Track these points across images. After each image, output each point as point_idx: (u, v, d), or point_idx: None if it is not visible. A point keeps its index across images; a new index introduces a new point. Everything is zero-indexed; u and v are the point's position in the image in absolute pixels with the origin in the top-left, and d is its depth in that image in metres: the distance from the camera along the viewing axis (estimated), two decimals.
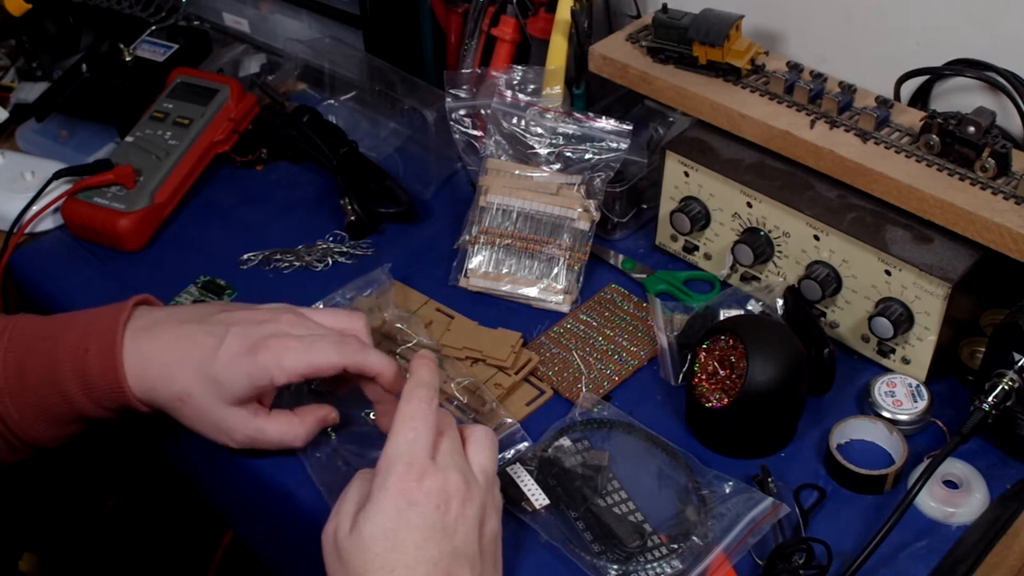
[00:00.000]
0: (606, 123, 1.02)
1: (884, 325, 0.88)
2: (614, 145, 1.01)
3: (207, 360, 0.79)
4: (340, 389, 0.87)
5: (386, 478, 0.68)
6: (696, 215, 0.99)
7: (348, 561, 0.67)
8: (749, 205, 0.96)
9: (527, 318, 0.98)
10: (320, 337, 0.80)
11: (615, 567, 0.76)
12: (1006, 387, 0.80)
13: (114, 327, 0.80)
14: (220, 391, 0.79)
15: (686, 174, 0.99)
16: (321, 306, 0.96)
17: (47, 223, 1.09)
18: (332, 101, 1.22)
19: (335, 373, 0.80)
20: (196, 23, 1.34)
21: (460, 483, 0.69)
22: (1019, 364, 0.80)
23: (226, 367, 0.78)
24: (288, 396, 0.86)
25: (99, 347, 0.80)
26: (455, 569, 0.67)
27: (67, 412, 0.81)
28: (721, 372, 0.84)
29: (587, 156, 1.02)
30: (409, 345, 0.93)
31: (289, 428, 0.83)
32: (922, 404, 0.87)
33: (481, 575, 0.68)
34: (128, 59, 1.20)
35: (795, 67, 0.98)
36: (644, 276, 1.03)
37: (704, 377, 0.85)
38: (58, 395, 0.80)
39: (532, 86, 1.06)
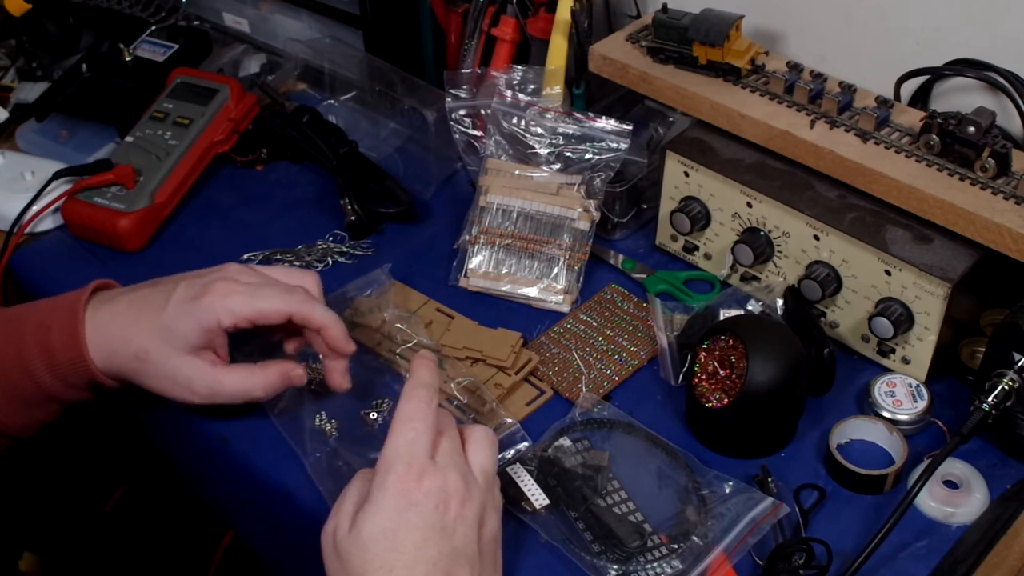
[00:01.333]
0: (606, 123, 1.02)
1: (884, 325, 0.88)
2: (614, 145, 1.01)
3: (158, 313, 0.81)
4: (290, 344, 0.88)
5: (385, 478, 0.68)
6: (696, 215, 0.99)
7: (347, 561, 0.67)
8: (749, 205, 0.96)
9: (527, 318, 0.98)
10: (266, 284, 0.83)
11: (615, 567, 0.75)
12: (1006, 387, 0.80)
13: (75, 305, 0.82)
14: (172, 339, 0.81)
15: (686, 174, 0.99)
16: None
17: (47, 223, 1.09)
18: (332, 101, 1.22)
19: (280, 321, 0.83)
20: (196, 23, 1.34)
21: (459, 483, 0.69)
22: (1019, 364, 0.80)
23: (174, 314, 0.81)
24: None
25: (61, 323, 0.82)
26: (454, 569, 0.67)
27: (35, 393, 0.83)
28: (721, 372, 0.84)
29: (587, 156, 1.02)
30: (409, 345, 0.93)
31: (248, 377, 0.84)
32: (922, 404, 0.87)
33: (480, 575, 0.68)
34: (128, 59, 1.20)
35: (795, 67, 0.98)
36: (644, 276, 1.03)
37: (704, 377, 0.85)
38: (24, 375, 0.82)
39: (532, 86, 1.06)
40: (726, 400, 0.83)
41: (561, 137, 1.03)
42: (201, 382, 0.82)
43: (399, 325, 0.94)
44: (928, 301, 0.86)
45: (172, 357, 0.81)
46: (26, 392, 0.82)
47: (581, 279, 1.01)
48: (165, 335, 0.81)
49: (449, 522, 0.68)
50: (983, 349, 0.88)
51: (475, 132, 1.06)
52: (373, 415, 0.88)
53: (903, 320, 0.88)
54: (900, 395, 0.88)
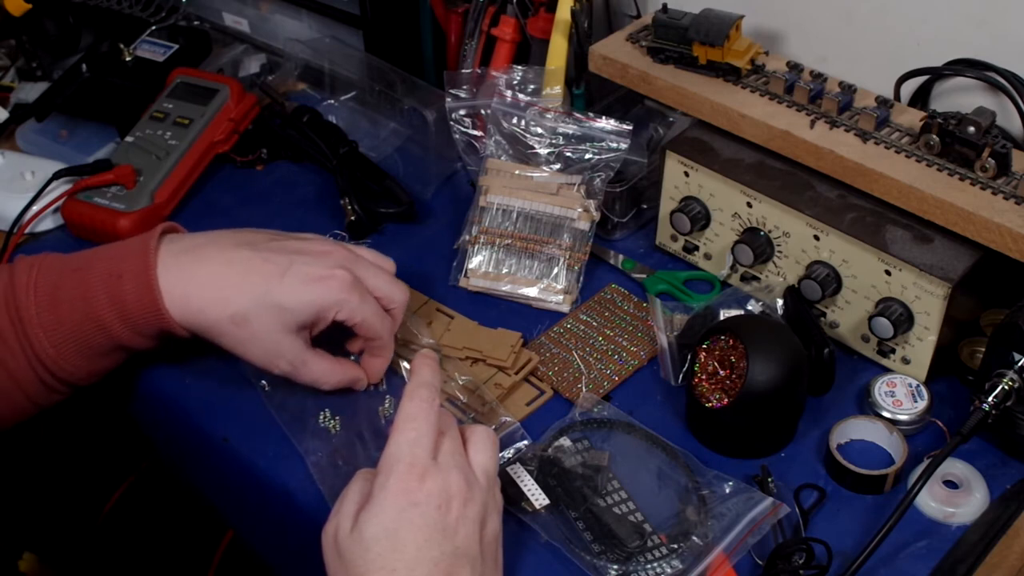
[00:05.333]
0: (606, 123, 1.02)
1: (884, 325, 0.88)
2: (614, 145, 1.01)
3: (270, 287, 0.80)
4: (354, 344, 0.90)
5: (387, 478, 0.68)
6: (696, 215, 0.99)
7: (349, 561, 0.67)
8: (749, 205, 0.96)
9: (527, 318, 0.98)
10: (381, 317, 0.84)
11: (615, 567, 0.76)
12: (1006, 387, 0.80)
13: (145, 250, 0.82)
14: (282, 315, 0.81)
15: (686, 174, 0.99)
16: None
17: (47, 223, 1.09)
18: (332, 101, 1.22)
19: (365, 335, 0.85)
20: (196, 23, 1.34)
21: (461, 483, 0.69)
22: (1019, 364, 0.80)
23: (292, 294, 0.80)
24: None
25: (133, 271, 0.81)
26: (456, 569, 0.67)
27: (104, 342, 0.82)
28: (721, 372, 0.84)
29: (587, 156, 1.02)
30: (410, 345, 0.93)
31: (328, 369, 0.85)
32: (922, 404, 0.87)
33: (482, 575, 0.68)
34: (128, 59, 1.20)
35: (795, 67, 0.98)
36: (644, 276, 1.03)
37: (704, 377, 0.85)
38: (94, 325, 0.81)
39: (532, 86, 1.06)
40: (726, 400, 0.83)
41: (561, 137, 1.03)
42: (289, 359, 0.83)
43: None
44: (928, 301, 0.87)
45: (275, 332, 0.81)
46: (95, 342, 0.82)
47: (581, 279, 1.01)
48: (275, 309, 0.80)
49: (451, 522, 0.68)
50: (983, 349, 0.88)
51: (475, 132, 1.06)
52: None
53: (903, 320, 0.88)
54: (900, 395, 0.88)
